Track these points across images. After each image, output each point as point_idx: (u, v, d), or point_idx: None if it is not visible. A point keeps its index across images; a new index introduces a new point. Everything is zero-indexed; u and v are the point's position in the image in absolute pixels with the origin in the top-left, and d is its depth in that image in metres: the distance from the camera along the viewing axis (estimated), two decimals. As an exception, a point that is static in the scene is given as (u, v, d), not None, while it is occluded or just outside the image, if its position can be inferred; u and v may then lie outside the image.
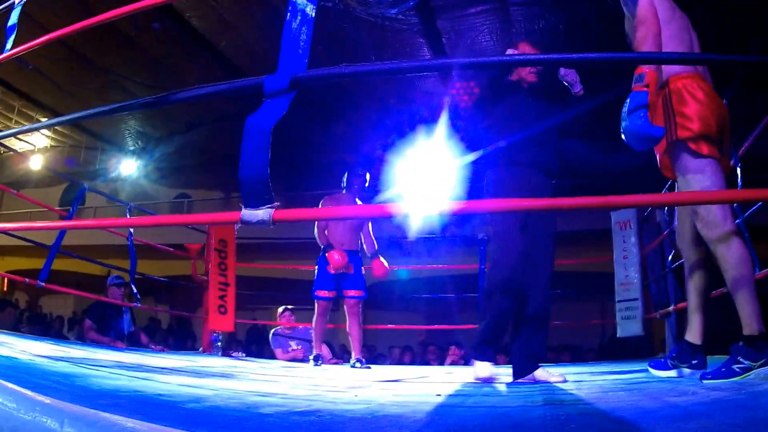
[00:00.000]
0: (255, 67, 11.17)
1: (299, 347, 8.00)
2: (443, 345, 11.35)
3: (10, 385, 1.70)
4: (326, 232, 6.35)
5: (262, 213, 1.90)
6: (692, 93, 2.94)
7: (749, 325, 2.77)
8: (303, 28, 2.06)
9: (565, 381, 3.63)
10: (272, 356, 8.36)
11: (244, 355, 8.56)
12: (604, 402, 2.15)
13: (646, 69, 2.67)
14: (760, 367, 2.67)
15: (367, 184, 6.56)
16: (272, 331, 8.59)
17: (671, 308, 5.95)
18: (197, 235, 9.51)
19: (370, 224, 6.51)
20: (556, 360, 10.47)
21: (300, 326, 8.19)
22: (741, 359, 2.72)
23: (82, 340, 7.60)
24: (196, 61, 11.84)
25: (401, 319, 15.68)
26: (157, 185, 21.29)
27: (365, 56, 10.55)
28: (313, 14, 2.08)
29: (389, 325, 14.34)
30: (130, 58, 11.79)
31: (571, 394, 2.56)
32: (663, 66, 3.01)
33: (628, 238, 7.00)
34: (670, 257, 6.06)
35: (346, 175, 6.57)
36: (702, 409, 1.78)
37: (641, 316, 6.70)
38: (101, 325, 7.48)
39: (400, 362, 11.33)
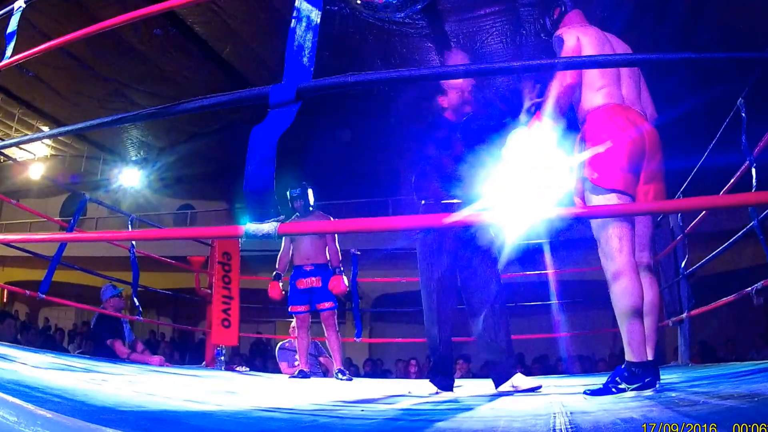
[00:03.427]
0: (260, 73, 11.17)
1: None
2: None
3: (12, 399, 1.68)
4: (291, 252, 6.63)
5: (267, 226, 1.87)
6: (605, 129, 3.11)
7: (630, 352, 2.97)
8: (308, 35, 2.03)
9: (540, 387, 3.94)
10: (276, 370, 8.33)
11: (247, 369, 8.52)
12: (614, 413, 2.12)
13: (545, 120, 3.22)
14: (634, 390, 2.88)
15: (311, 199, 6.63)
16: (278, 345, 8.55)
17: (684, 315, 5.90)
18: (201, 247, 9.48)
19: (336, 236, 6.57)
20: (567, 370, 10.42)
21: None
22: (619, 380, 2.93)
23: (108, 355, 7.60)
24: (200, 69, 11.80)
25: (409, 331, 15.62)
26: (159, 196, 21.28)
27: (371, 61, 10.53)
28: (318, 20, 2.05)
29: (395, 339, 14.27)
30: (132, 65, 11.74)
31: (580, 404, 2.53)
32: (585, 100, 3.24)
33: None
34: (683, 263, 6.02)
35: (288, 198, 6.67)
36: (716, 418, 1.75)
37: (654, 323, 6.62)
38: (121, 340, 7.51)
39: (406, 375, 11.29)
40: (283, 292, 6.61)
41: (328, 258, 6.56)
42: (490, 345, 4.09)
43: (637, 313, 2.97)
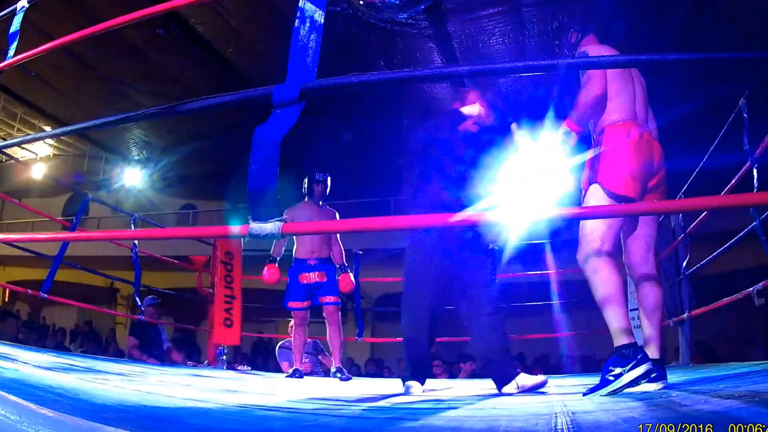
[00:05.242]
0: (262, 74, 11.11)
1: (306, 360, 7.94)
2: (454, 358, 11.29)
3: (13, 398, 1.68)
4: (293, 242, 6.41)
5: (270, 226, 1.87)
6: (622, 143, 3.25)
7: (617, 337, 3.04)
8: (312, 36, 2.03)
9: (545, 382, 3.94)
10: (278, 369, 8.32)
11: (249, 368, 8.53)
12: (615, 412, 2.12)
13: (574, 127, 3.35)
14: (630, 370, 2.91)
15: (328, 190, 6.48)
16: (279, 344, 8.55)
17: (685, 315, 5.90)
18: (203, 246, 9.49)
19: (338, 234, 6.41)
20: (568, 370, 10.42)
21: (308, 340, 8.17)
22: (612, 368, 2.98)
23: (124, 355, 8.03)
24: (202, 69, 11.77)
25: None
26: (162, 195, 21.24)
27: (374, 62, 10.50)
28: (322, 21, 2.06)
29: (397, 338, 14.28)
30: (135, 65, 11.70)
31: (582, 404, 2.53)
32: (604, 113, 3.38)
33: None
34: (684, 263, 6.02)
35: (306, 180, 6.49)
36: (714, 419, 1.75)
37: (655, 324, 6.58)
38: (143, 342, 7.92)
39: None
40: (280, 279, 6.37)
41: (332, 254, 6.43)
42: (492, 346, 4.04)
43: (618, 299, 3.06)
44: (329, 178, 6.48)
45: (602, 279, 3.09)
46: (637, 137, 3.25)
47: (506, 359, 4.03)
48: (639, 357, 2.95)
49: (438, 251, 4.15)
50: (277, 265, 6.38)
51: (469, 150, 4.32)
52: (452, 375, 10.34)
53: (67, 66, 11.83)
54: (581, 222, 3.28)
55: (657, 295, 3.39)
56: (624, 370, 2.92)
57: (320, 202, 6.46)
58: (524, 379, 3.94)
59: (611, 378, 2.94)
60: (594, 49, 3.46)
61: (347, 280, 6.29)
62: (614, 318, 3.04)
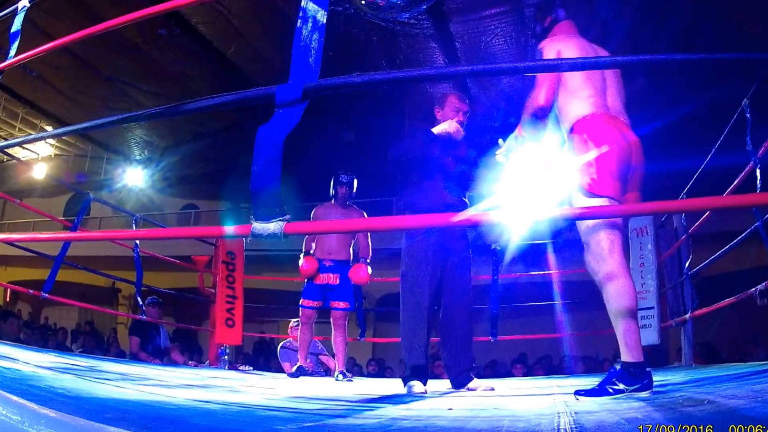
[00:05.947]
0: (263, 74, 11.12)
1: (308, 361, 7.94)
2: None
3: (14, 398, 1.68)
4: (314, 241, 6.37)
5: (273, 226, 1.87)
6: (595, 137, 3.09)
7: (627, 353, 2.92)
8: (314, 36, 2.03)
9: (492, 389, 4.08)
10: (279, 369, 8.32)
11: (251, 368, 8.53)
12: (618, 412, 2.12)
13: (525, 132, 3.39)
14: (632, 392, 2.84)
15: (354, 190, 6.42)
16: (280, 344, 8.55)
17: (688, 316, 5.89)
18: (205, 246, 9.48)
19: (368, 232, 6.36)
20: (570, 370, 10.40)
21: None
22: (617, 381, 2.88)
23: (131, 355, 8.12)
24: (204, 69, 11.74)
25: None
26: (163, 195, 21.21)
27: (376, 62, 10.48)
28: (325, 20, 2.06)
29: (398, 339, 14.23)
30: (136, 65, 11.67)
31: (584, 404, 2.53)
32: (571, 109, 3.22)
33: (644, 245, 6.79)
34: (687, 264, 6.00)
35: (332, 182, 6.45)
36: (715, 419, 1.75)
37: (657, 324, 6.55)
38: (143, 341, 8.07)
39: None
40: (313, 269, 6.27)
41: (351, 255, 6.36)
42: (468, 346, 4.30)
43: (633, 313, 2.95)
44: (355, 180, 6.42)
45: (618, 289, 2.97)
46: (612, 129, 3.10)
47: (471, 361, 4.33)
48: (645, 382, 2.89)
49: (436, 251, 4.20)
50: (313, 256, 6.30)
51: (470, 150, 4.35)
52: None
53: (68, 66, 11.81)
54: (586, 235, 3.12)
55: None
56: (627, 389, 2.86)
57: (347, 203, 6.39)
58: (478, 383, 4.23)
59: (611, 390, 2.88)
60: (549, 47, 3.32)
61: (358, 269, 6.16)
62: (626, 332, 2.94)
